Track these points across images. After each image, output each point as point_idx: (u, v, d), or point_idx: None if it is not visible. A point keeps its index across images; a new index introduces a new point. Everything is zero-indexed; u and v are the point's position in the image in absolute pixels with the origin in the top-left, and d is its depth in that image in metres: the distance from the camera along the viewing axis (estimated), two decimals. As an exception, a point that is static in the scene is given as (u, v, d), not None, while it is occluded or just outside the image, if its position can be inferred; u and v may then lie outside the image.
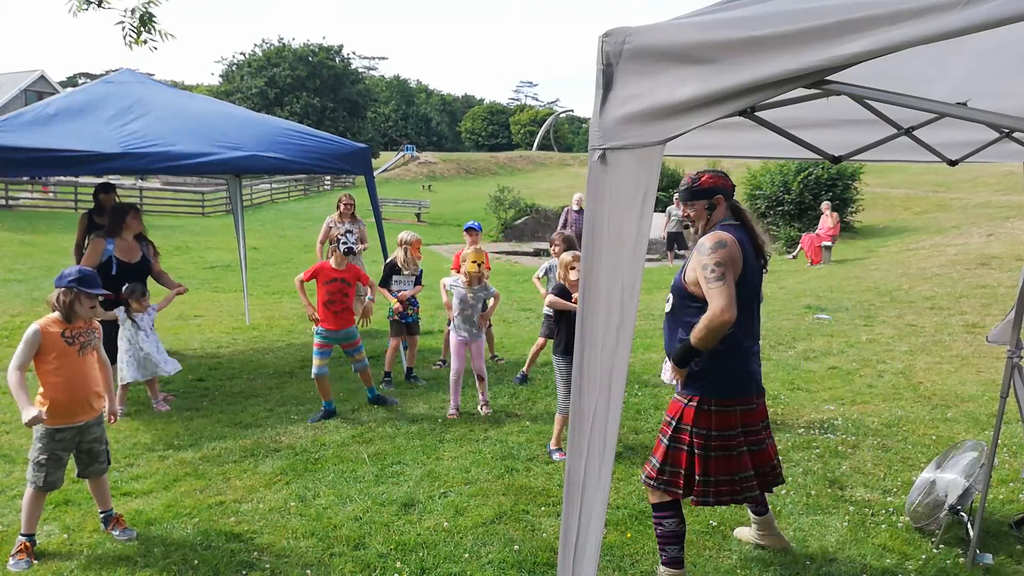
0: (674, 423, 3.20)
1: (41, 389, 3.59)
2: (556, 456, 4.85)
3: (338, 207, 8.13)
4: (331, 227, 7.96)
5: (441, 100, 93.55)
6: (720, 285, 2.89)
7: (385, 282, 6.43)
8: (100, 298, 3.66)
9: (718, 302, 2.86)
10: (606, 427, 1.65)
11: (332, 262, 5.66)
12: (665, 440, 3.23)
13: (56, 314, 3.59)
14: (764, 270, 3.25)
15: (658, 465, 3.22)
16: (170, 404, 5.88)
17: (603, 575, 3.50)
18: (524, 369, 6.78)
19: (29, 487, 3.59)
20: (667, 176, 24.23)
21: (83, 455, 3.72)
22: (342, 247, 5.63)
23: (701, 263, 2.98)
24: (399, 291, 6.41)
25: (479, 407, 5.85)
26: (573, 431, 1.70)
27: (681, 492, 3.18)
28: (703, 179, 3.19)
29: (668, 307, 3.25)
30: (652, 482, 3.25)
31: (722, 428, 3.13)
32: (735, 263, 2.99)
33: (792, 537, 3.85)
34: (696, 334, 2.95)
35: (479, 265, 5.64)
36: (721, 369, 3.12)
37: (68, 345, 3.57)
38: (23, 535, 3.60)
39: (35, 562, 3.53)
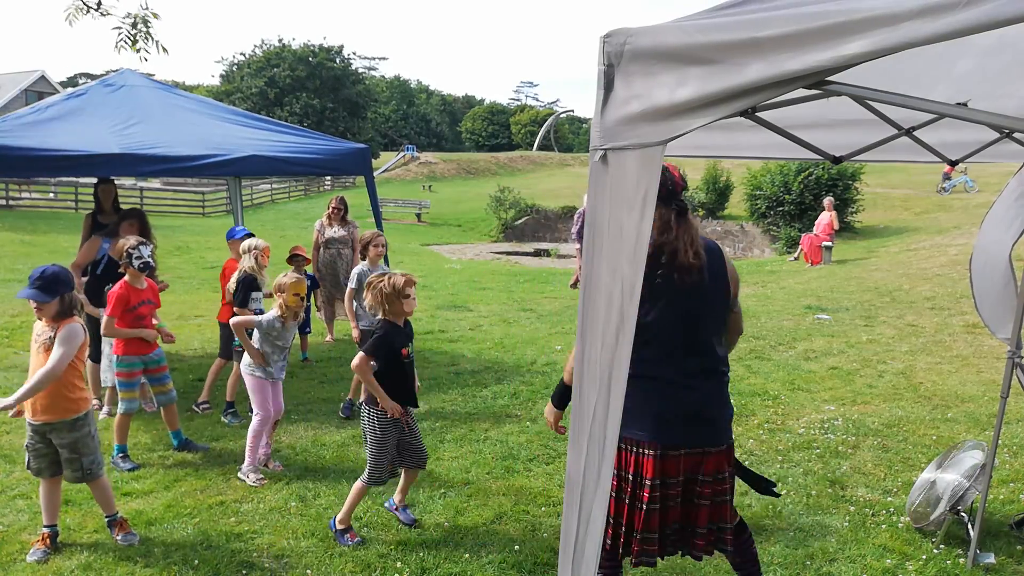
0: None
1: None
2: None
3: (328, 209, 7.77)
4: (319, 231, 7.75)
5: (441, 100, 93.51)
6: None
7: (243, 301, 5.27)
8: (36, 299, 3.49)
9: None
10: (605, 427, 1.65)
11: (128, 279, 4.73)
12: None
13: None
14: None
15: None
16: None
17: (603, 575, 3.50)
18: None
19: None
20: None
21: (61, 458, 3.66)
22: (136, 263, 4.72)
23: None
24: (258, 309, 5.28)
25: (268, 463, 4.75)
26: (573, 430, 1.70)
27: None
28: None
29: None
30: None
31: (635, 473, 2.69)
32: None
33: (792, 537, 3.85)
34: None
35: (301, 298, 4.58)
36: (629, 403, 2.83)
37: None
38: (44, 526, 3.71)
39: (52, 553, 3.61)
